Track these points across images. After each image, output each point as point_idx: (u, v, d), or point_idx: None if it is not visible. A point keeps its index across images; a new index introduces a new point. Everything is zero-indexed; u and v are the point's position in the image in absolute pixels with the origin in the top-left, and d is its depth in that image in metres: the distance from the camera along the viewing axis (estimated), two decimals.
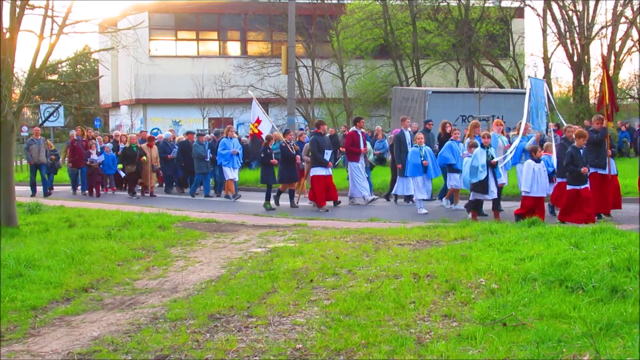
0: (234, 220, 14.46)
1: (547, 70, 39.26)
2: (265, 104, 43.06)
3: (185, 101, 41.11)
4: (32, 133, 24.20)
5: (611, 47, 36.89)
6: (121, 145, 22.71)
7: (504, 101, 31.03)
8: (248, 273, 9.15)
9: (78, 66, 55.66)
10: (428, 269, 8.61)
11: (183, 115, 42.26)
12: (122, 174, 21.06)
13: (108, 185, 23.04)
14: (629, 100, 41.17)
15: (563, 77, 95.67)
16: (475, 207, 14.10)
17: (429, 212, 15.32)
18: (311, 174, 16.92)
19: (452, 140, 15.99)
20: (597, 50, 75.44)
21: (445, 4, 40.58)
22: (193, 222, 14.16)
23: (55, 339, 6.75)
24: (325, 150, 16.84)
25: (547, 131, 16.35)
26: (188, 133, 22.97)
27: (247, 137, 25.80)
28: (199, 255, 10.73)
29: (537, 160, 13.43)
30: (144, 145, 21.28)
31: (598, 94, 37.34)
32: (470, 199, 14.19)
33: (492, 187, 13.81)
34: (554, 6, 37.57)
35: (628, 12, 36.93)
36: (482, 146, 13.84)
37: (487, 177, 13.65)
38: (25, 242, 11.54)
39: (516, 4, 40.79)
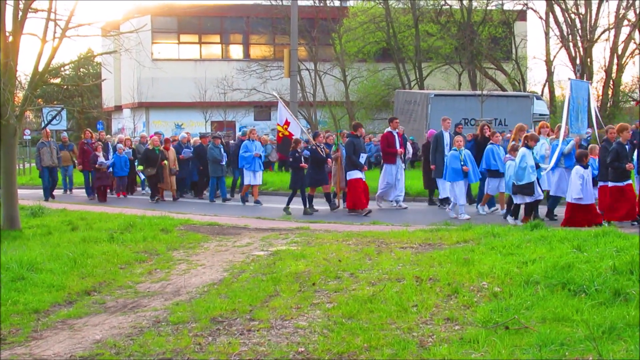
0: (236, 224, 14.44)
1: (550, 73, 39.29)
2: (268, 107, 43.16)
3: (187, 104, 41.13)
4: (42, 135, 23.29)
5: (614, 50, 36.90)
6: (127, 149, 22.23)
7: (507, 104, 31.06)
8: (250, 276, 9.14)
9: (81, 69, 55.74)
10: (430, 272, 8.60)
11: (185, 118, 42.29)
12: (142, 176, 20.39)
13: (114, 190, 22.14)
14: (632, 102, 41.17)
15: (566, 79, 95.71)
16: (532, 210, 13.68)
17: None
18: (348, 178, 16.47)
19: (492, 143, 15.37)
20: (599, 53, 75.40)
21: (448, 7, 40.61)
22: (195, 225, 14.14)
23: (58, 342, 6.75)
24: (361, 154, 16.43)
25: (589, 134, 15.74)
26: (202, 136, 22.07)
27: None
28: (202, 258, 10.73)
29: (585, 166, 13.11)
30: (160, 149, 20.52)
31: (601, 97, 37.40)
32: (515, 202, 13.71)
33: (538, 189, 13.56)
34: (557, 9, 37.61)
35: (631, 15, 36.97)
36: (528, 147, 13.47)
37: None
38: (27, 245, 11.54)
39: (519, 7, 40.86)
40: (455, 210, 15.27)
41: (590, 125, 15.00)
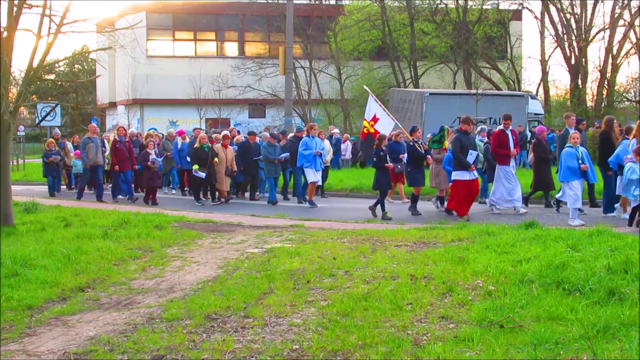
0: (230, 221, 14.44)
1: (545, 73, 39.33)
2: (262, 104, 43.14)
3: (182, 101, 41.13)
4: (84, 132, 21.22)
5: (609, 50, 36.93)
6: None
7: (502, 103, 31.09)
8: (245, 273, 9.13)
9: (75, 66, 55.67)
10: (425, 271, 8.60)
11: (180, 115, 42.28)
12: (202, 175, 18.57)
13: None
14: (626, 103, 41.26)
15: (560, 79, 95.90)
16: None
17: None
18: (452, 178, 15.13)
19: (626, 138, 13.90)
20: (594, 53, 75.53)
21: (443, 5, 40.65)
22: (190, 222, 14.14)
23: (51, 339, 6.73)
24: (470, 151, 14.96)
25: None
26: (250, 134, 20.85)
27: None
28: (196, 255, 10.71)
29: None
30: (218, 146, 19.07)
31: (596, 97, 37.47)
32: None
33: None
34: (552, 9, 37.63)
35: (626, 15, 37.00)
36: None
37: None
38: (21, 241, 11.50)
39: (514, 7, 40.90)
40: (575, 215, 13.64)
41: None
